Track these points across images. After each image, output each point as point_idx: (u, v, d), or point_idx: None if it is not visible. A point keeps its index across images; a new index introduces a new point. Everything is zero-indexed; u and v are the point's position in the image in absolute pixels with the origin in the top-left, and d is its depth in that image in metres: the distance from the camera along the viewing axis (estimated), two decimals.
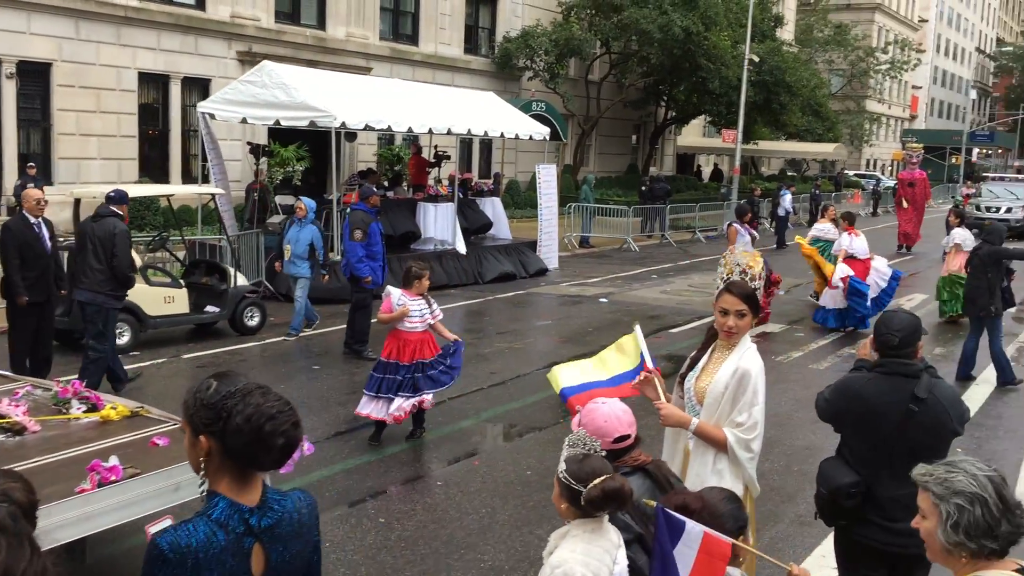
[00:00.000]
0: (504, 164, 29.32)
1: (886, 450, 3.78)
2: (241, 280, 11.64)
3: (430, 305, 7.45)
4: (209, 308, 11.19)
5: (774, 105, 34.29)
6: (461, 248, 16.62)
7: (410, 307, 7.31)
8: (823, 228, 15.30)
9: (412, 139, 22.99)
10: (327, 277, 12.30)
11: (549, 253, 18.62)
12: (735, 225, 13.60)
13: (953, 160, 58.75)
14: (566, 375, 4.16)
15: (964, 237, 13.84)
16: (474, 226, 17.78)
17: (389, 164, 24.72)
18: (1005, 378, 10.26)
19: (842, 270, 13.14)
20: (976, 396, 9.72)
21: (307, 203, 11.57)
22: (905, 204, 25.02)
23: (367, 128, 14.87)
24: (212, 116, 15.04)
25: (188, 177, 20.63)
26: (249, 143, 17.95)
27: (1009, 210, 29.12)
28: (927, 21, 74.79)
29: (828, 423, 4.10)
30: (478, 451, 7.58)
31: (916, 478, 2.35)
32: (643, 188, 26.44)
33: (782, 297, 15.28)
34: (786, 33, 46.98)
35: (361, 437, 7.60)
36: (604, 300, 15.04)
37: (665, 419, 3.82)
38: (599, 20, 29.91)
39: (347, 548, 5.54)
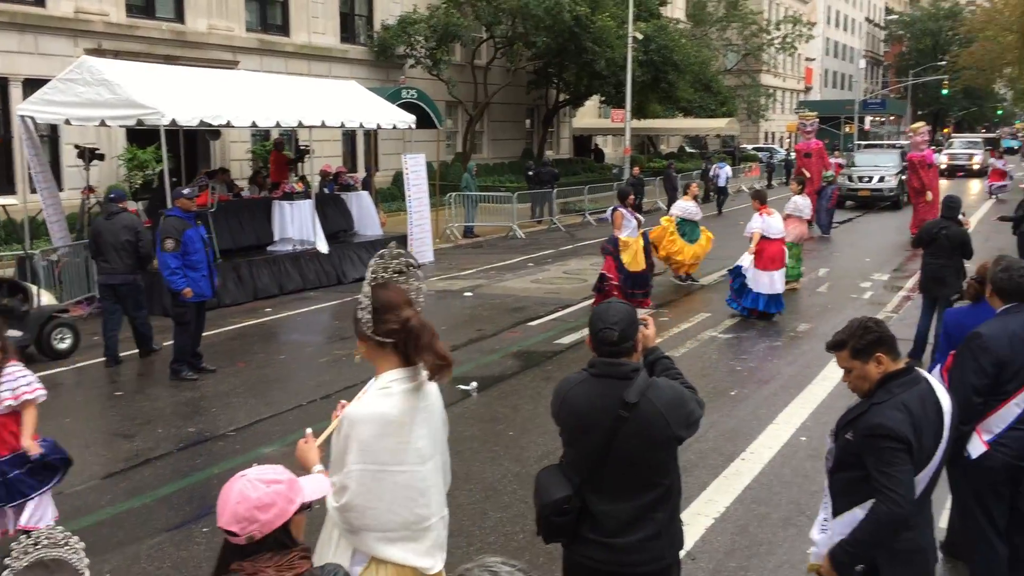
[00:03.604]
0: (389, 156, 28.40)
1: (598, 461, 3.22)
2: (47, 299, 10.54)
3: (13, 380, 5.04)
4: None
5: (663, 84, 34.05)
6: (323, 247, 15.64)
7: None
8: (685, 207, 14.41)
9: (287, 134, 21.92)
10: None
11: (422, 247, 17.74)
12: (620, 210, 12.64)
13: (847, 129, 59.74)
14: None
15: (800, 204, 14.25)
16: (332, 229, 16.72)
17: (264, 161, 23.59)
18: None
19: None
20: None
21: None
22: (807, 174, 24.62)
23: (202, 124, 13.76)
24: (34, 119, 13.83)
25: None
26: (76, 146, 16.58)
27: (882, 179, 27.87)
28: None
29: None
30: None
31: None
32: (529, 173, 25.82)
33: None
34: (676, 11, 46.97)
35: (137, 478, 6.71)
36: (469, 294, 14.28)
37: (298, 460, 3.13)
38: (480, 4, 29.12)
39: None
